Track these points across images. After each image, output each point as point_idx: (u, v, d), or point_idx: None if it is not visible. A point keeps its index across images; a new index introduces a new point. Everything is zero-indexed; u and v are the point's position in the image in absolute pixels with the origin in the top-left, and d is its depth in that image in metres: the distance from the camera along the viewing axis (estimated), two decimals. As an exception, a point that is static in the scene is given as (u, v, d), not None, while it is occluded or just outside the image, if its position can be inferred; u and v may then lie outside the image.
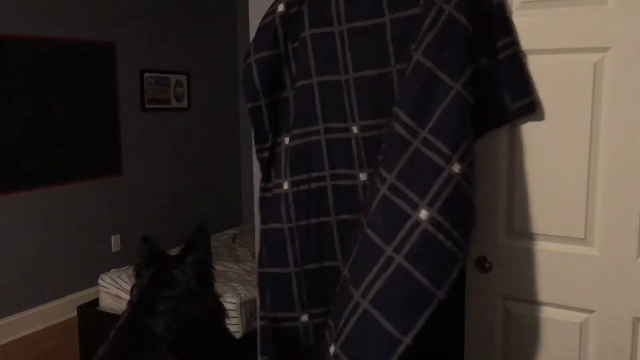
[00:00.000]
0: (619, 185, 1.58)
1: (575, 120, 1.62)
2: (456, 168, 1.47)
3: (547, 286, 1.72)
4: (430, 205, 1.47)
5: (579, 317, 1.69)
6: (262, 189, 1.92)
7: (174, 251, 1.66)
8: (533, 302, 1.75)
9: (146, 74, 4.77)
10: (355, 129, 1.71)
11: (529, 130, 1.68)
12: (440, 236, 1.46)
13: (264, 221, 1.83)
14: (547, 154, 1.67)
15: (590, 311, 1.67)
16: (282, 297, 1.77)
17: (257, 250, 2.21)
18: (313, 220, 1.76)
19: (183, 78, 5.13)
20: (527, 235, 1.73)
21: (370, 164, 1.69)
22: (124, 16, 4.56)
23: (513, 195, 1.73)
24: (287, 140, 1.80)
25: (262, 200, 1.91)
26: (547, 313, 1.73)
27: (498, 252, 1.78)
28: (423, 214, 1.47)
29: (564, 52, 1.61)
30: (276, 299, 1.78)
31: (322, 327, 1.75)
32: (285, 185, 1.77)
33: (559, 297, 1.71)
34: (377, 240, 1.50)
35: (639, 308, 1.60)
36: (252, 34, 2.28)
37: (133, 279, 1.61)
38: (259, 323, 1.83)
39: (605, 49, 1.56)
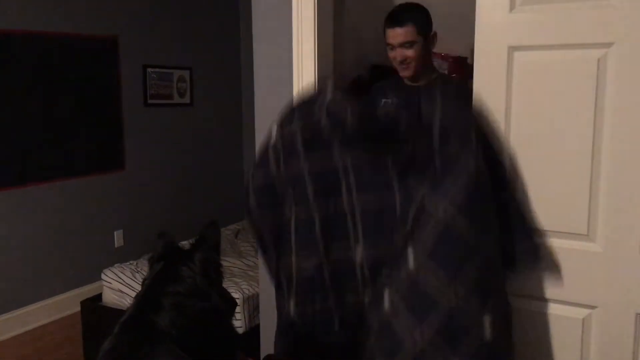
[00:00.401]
0: (622, 180, 1.58)
1: (579, 116, 1.62)
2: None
3: (549, 282, 1.72)
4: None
5: (582, 312, 1.69)
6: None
7: (186, 244, 1.66)
8: (536, 298, 1.75)
9: (149, 69, 4.77)
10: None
11: (532, 126, 1.68)
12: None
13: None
14: (550, 149, 1.66)
15: (593, 307, 1.67)
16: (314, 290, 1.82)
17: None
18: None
19: (186, 73, 5.13)
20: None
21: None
22: (127, 11, 4.56)
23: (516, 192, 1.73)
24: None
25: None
26: (550, 309, 1.74)
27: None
28: None
29: (568, 47, 1.61)
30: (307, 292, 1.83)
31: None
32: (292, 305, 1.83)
33: (562, 293, 1.71)
34: None
35: (642, 304, 1.61)
36: (256, 29, 2.28)
37: (146, 272, 1.63)
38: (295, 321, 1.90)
39: (608, 45, 1.55)
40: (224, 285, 1.69)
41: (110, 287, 3.48)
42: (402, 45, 2.12)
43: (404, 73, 2.20)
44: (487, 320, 1.53)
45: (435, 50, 2.85)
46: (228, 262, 3.66)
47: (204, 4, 5.27)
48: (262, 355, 2.42)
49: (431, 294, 1.52)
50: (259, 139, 2.36)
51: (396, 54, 2.15)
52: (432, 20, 2.24)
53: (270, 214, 1.84)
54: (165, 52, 4.92)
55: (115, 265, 3.66)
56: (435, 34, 2.19)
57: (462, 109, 1.64)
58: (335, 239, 1.77)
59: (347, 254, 1.77)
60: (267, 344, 2.47)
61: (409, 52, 2.12)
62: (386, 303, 1.61)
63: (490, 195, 1.58)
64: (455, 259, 1.52)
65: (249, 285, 3.32)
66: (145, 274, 1.62)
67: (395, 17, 2.15)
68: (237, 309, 3.03)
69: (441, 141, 1.57)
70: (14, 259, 3.89)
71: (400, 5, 2.23)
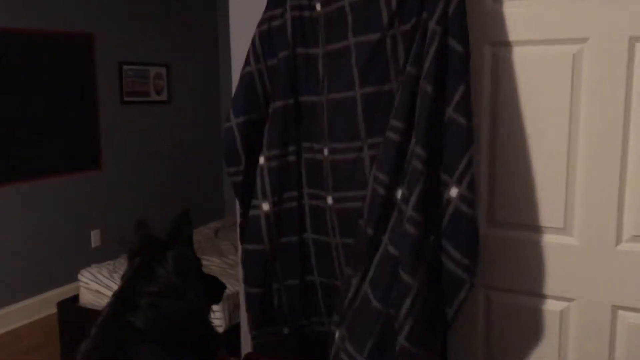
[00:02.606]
0: (598, 174, 1.60)
1: (555, 112, 1.63)
2: (453, 192, 1.52)
3: (527, 275, 1.74)
4: (435, 233, 1.54)
5: (559, 305, 1.71)
6: (241, 214, 1.93)
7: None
8: (514, 291, 1.77)
9: (125, 67, 4.71)
10: (326, 152, 1.72)
11: (509, 121, 1.69)
12: (451, 265, 1.54)
13: (245, 241, 1.85)
14: (527, 144, 1.68)
15: (570, 300, 1.70)
16: (266, 314, 1.83)
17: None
18: (293, 238, 1.80)
19: (163, 70, 5.08)
20: (508, 226, 1.74)
21: (336, 189, 1.70)
22: (102, 8, 4.49)
23: (494, 186, 1.74)
24: (262, 160, 1.79)
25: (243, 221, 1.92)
26: (528, 302, 1.76)
27: (479, 242, 1.79)
28: (431, 239, 1.53)
29: (544, 43, 1.63)
30: (259, 316, 1.84)
31: (305, 337, 1.84)
32: (265, 207, 1.77)
33: (540, 286, 1.73)
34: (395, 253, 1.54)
35: (618, 296, 1.63)
36: (233, 25, 2.26)
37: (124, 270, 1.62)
38: (251, 342, 1.91)
39: (583, 40, 1.57)
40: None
41: (87, 288, 3.43)
42: None
43: None
44: (453, 189, 1.53)
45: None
46: (208, 261, 3.64)
47: (180, 0, 5.22)
48: (243, 353, 2.41)
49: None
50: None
51: None
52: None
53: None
54: (142, 48, 4.86)
55: (93, 265, 3.61)
56: None
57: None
58: (311, 130, 1.75)
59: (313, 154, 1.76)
60: (248, 342, 2.46)
61: None
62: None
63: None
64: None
65: (229, 283, 3.29)
66: (122, 273, 1.60)
67: None
68: (217, 308, 3.01)
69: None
70: (-13, 261, 3.82)
71: None
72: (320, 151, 1.74)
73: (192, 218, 1.68)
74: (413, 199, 1.49)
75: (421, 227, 1.49)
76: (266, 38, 1.80)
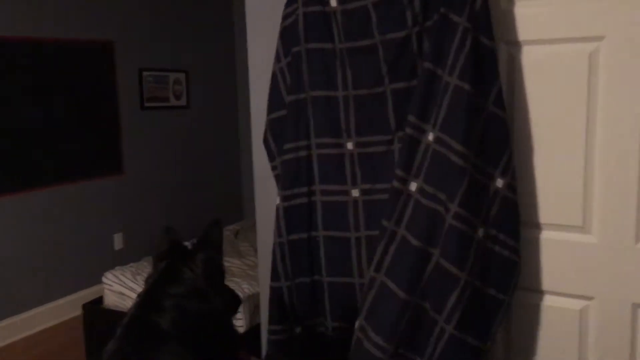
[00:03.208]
0: (616, 172, 1.60)
1: (572, 110, 1.63)
2: (500, 183, 1.58)
3: (546, 274, 1.74)
4: (483, 225, 1.59)
5: (579, 304, 1.71)
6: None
7: (187, 244, 1.67)
8: (532, 290, 1.77)
9: (145, 73, 4.78)
10: (350, 146, 1.73)
11: (526, 120, 1.70)
12: (505, 252, 1.61)
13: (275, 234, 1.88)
14: (544, 143, 1.68)
15: (590, 298, 1.69)
16: (280, 310, 1.85)
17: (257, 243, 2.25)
18: (303, 235, 1.80)
19: (182, 76, 5.14)
20: (526, 224, 1.74)
21: (364, 181, 1.73)
22: (122, 15, 4.56)
23: (511, 185, 1.75)
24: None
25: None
26: (547, 301, 1.75)
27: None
28: (480, 232, 1.58)
29: (560, 42, 1.62)
30: (275, 311, 1.86)
31: (317, 336, 1.84)
32: (277, 201, 1.80)
33: (559, 285, 1.73)
34: (418, 244, 1.57)
35: (638, 294, 1.62)
36: (250, 31, 2.29)
37: (147, 273, 1.64)
38: (267, 339, 1.91)
39: (600, 38, 1.57)
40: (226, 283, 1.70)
41: (111, 290, 3.49)
42: None
43: None
44: (499, 179, 1.60)
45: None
46: (228, 262, 3.68)
47: (198, 7, 5.28)
48: (263, 354, 2.44)
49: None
50: (256, 140, 2.37)
51: None
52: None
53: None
54: (161, 55, 4.92)
55: (116, 268, 3.67)
56: None
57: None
58: (326, 126, 1.76)
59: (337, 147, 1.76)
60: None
61: None
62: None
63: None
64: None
65: (249, 284, 3.33)
66: (146, 275, 1.64)
67: None
68: (238, 308, 3.04)
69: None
70: (14, 265, 3.89)
71: None
72: (340, 145, 1.75)
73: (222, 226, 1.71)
74: (458, 195, 1.52)
75: (469, 221, 1.53)
76: (283, 36, 1.84)
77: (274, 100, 1.88)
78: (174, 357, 1.37)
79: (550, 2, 1.62)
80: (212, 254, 1.61)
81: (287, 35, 1.82)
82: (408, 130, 1.59)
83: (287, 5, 1.83)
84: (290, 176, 1.79)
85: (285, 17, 1.83)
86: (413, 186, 1.58)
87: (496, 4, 1.69)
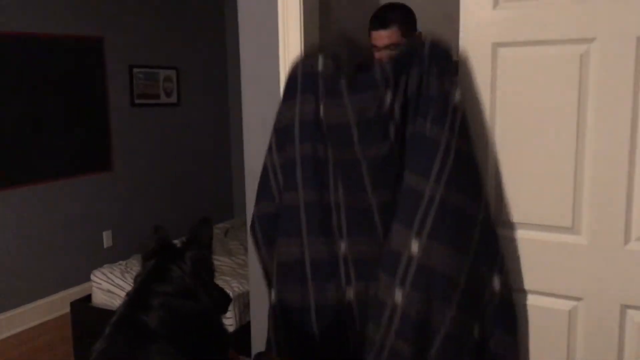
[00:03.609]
0: (606, 174, 1.61)
1: (562, 111, 1.64)
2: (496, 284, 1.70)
3: (535, 275, 1.75)
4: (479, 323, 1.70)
5: (568, 305, 1.72)
6: None
7: (177, 242, 1.66)
8: (522, 291, 1.77)
9: (135, 69, 4.75)
10: (343, 247, 1.78)
11: (517, 122, 1.70)
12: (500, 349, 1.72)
13: None
14: (535, 144, 1.69)
15: (579, 299, 1.70)
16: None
17: (249, 245, 2.24)
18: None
19: (172, 73, 5.11)
20: (516, 225, 1.75)
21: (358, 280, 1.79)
22: (113, 11, 4.53)
23: (501, 185, 1.75)
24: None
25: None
26: (536, 301, 1.76)
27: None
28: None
29: (550, 43, 1.63)
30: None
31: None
32: (272, 296, 1.91)
33: (548, 286, 1.73)
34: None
35: (627, 295, 1.63)
36: (242, 28, 2.28)
37: (136, 271, 1.63)
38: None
39: (590, 40, 1.58)
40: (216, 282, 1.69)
41: (99, 288, 3.47)
42: (387, 47, 2.11)
43: None
44: (496, 280, 1.66)
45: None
46: (218, 261, 3.66)
47: (189, 3, 5.25)
48: (253, 352, 2.43)
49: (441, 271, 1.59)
50: (247, 137, 2.37)
51: (381, 56, 2.15)
52: (417, 18, 2.24)
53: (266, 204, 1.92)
54: (151, 51, 4.89)
55: (105, 265, 3.65)
56: (420, 34, 2.19)
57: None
58: (320, 231, 1.80)
59: (331, 246, 1.79)
60: (258, 341, 2.47)
61: (394, 54, 2.12)
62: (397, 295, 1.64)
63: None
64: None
65: (239, 283, 3.33)
66: (135, 273, 1.62)
67: (380, 19, 2.13)
68: (229, 307, 3.03)
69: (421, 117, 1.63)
70: (2, 261, 3.86)
71: (384, 6, 2.21)
72: (333, 244, 1.83)
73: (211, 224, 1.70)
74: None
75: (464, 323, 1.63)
76: (277, 132, 1.88)
77: (264, 192, 1.92)
78: (162, 356, 1.36)
79: (540, 3, 1.63)
80: (201, 252, 1.60)
81: (281, 133, 1.87)
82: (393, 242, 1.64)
83: (284, 99, 1.86)
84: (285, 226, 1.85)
85: (281, 113, 1.87)
86: (415, 246, 1.60)
87: (484, 5, 1.69)
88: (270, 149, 1.90)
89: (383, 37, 2.10)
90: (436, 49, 1.64)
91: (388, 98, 1.66)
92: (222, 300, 1.72)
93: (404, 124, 1.68)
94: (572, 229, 1.67)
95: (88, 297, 3.55)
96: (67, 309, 3.63)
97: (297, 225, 1.81)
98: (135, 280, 1.57)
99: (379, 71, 1.67)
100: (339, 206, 1.78)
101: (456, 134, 1.60)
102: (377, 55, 2.17)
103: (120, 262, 3.75)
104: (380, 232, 1.72)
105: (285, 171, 1.85)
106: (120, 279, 3.44)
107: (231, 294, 3.11)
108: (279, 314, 1.86)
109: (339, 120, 1.72)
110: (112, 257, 4.30)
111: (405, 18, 2.14)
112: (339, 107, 1.72)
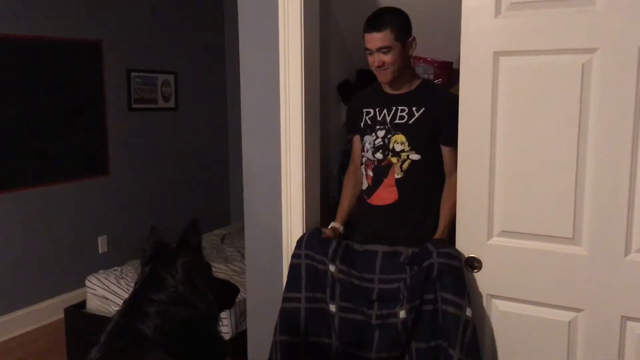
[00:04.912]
0: (607, 185, 1.60)
1: (564, 121, 1.63)
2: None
3: (535, 285, 1.74)
4: None
5: (568, 315, 1.71)
6: None
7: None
8: (522, 301, 1.76)
9: (133, 74, 4.73)
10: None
11: (518, 131, 1.69)
12: None
13: None
14: (536, 154, 1.68)
15: (579, 310, 1.69)
16: None
17: (245, 252, 2.23)
18: None
19: (170, 77, 5.09)
20: (516, 235, 1.74)
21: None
22: (111, 15, 4.52)
23: (502, 195, 1.74)
24: None
25: None
26: (536, 312, 1.75)
27: (488, 251, 1.79)
28: None
29: (553, 53, 1.63)
30: None
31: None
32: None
33: (548, 296, 1.72)
34: None
35: (627, 306, 1.62)
36: (242, 33, 2.27)
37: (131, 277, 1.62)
38: None
39: (593, 50, 1.57)
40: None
41: (94, 294, 3.44)
42: (379, 50, 2.11)
43: (381, 78, 2.18)
44: None
45: (421, 54, 2.85)
46: (214, 268, 3.63)
47: (188, 8, 5.25)
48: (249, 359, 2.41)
49: None
50: (246, 144, 2.36)
51: (374, 59, 2.14)
52: (418, 24, 2.24)
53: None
54: (150, 56, 4.88)
55: (100, 271, 3.61)
56: (414, 39, 2.17)
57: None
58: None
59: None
60: (254, 349, 2.46)
61: (386, 58, 2.11)
62: None
63: None
64: None
65: (235, 290, 3.30)
66: (130, 279, 1.61)
67: (373, 22, 2.13)
68: (224, 314, 3.01)
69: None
70: (-5, 266, 3.83)
71: (379, 10, 2.21)
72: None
73: (199, 226, 1.68)
74: None
75: None
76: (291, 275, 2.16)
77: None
78: (158, 364, 1.35)
79: (543, 13, 1.62)
80: (191, 257, 1.58)
81: (293, 277, 2.14)
82: None
83: (296, 248, 2.16)
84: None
85: (294, 257, 2.16)
86: None
87: (487, 14, 1.69)
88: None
89: (376, 39, 2.10)
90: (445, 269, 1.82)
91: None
92: (230, 292, 1.73)
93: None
94: (572, 240, 1.67)
95: (82, 303, 3.52)
96: (61, 315, 3.59)
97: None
98: (135, 285, 1.56)
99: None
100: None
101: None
102: (370, 59, 2.16)
103: (116, 268, 3.72)
104: None
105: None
106: (115, 285, 3.41)
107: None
108: None
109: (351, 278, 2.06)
110: (107, 262, 4.27)
111: (398, 21, 2.13)
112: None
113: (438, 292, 1.83)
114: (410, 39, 2.14)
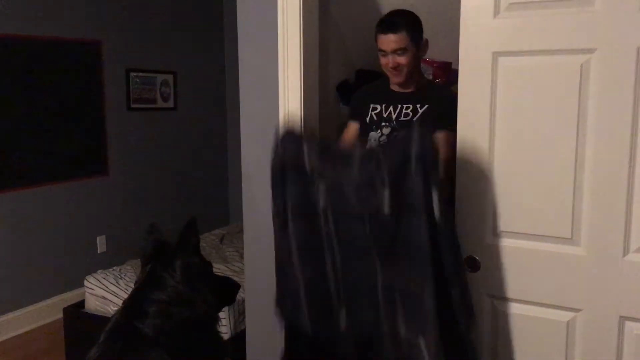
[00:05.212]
0: (605, 185, 1.60)
1: (562, 121, 1.63)
2: None
3: (534, 285, 1.74)
4: None
5: (566, 315, 1.71)
6: None
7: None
8: (520, 301, 1.76)
9: (132, 74, 4.73)
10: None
11: (517, 131, 1.70)
12: None
13: None
14: (535, 154, 1.68)
15: (577, 310, 1.69)
16: None
17: (245, 252, 2.22)
18: None
19: (169, 77, 5.10)
20: (515, 235, 1.74)
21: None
22: (110, 15, 4.52)
23: (501, 195, 1.74)
24: None
25: None
26: (535, 312, 1.75)
27: (486, 251, 1.79)
28: None
29: (551, 53, 1.63)
30: None
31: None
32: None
33: (546, 296, 1.73)
34: None
35: (626, 306, 1.62)
36: (241, 33, 2.28)
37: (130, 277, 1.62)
38: None
39: (591, 51, 1.57)
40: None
41: (93, 294, 3.44)
42: (395, 51, 2.12)
43: (395, 79, 2.20)
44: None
45: (420, 55, 2.85)
46: (213, 268, 3.63)
47: (187, 8, 5.25)
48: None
49: None
50: (245, 144, 2.36)
51: (388, 60, 2.15)
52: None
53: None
54: (149, 56, 4.88)
55: (98, 271, 3.61)
56: (426, 41, 2.20)
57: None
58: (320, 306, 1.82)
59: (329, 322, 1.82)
60: (253, 349, 2.46)
61: (401, 59, 2.12)
62: None
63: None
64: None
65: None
66: (129, 279, 1.61)
67: (389, 23, 2.14)
68: (223, 315, 3.01)
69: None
70: (-6, 266, 3.83)
71: (394, 12, 2.23)
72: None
73: (198, 226, 1.69)
74: None
75: None
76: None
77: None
78: (157, 364, 1.35)
79: (542, 13, 1.63)
80: (189, 257, 1.58)
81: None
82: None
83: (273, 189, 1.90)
84: None
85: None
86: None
87: (486, 14, 1.69)
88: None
89: (392, 41, 2.11)
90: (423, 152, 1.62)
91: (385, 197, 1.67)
92: (231, 289, 1.73)
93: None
94: (571, 240, 1.67)
95: (81, 303, 3.52)
96: (60, 315, 3.59)
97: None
98: (135, 284, 1.57)
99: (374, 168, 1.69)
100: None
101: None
102: (383, 60, 2.17)
103: (114, 267, 3.72)
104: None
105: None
106: (114, 285, 3.41)
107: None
108: None
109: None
110: (106, 262, 4.27)
111: (413, 24, 2.15)
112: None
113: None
114: (423, 41, 2.17)
